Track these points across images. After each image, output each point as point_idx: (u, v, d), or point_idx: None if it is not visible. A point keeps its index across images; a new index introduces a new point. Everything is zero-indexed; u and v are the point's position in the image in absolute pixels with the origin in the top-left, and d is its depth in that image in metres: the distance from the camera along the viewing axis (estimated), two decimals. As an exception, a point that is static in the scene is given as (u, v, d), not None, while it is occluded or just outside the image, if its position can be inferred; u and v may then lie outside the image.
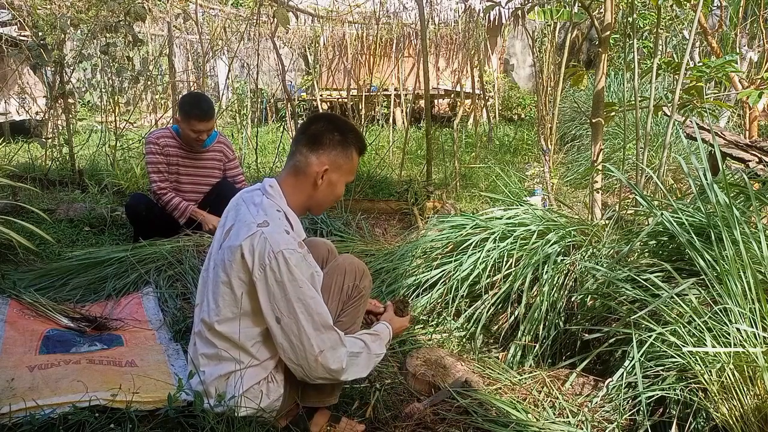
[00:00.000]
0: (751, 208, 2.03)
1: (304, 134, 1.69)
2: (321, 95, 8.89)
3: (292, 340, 1.54)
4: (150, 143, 3.28)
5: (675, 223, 2.00)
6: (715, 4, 5.34)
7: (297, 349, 1.54)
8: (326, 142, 1.67)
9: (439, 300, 2.54)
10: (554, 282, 2.32)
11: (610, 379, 1.95)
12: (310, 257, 1.62)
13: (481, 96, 7.26)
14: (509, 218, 2.69)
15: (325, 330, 1.55)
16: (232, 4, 8.35)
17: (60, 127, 5.49)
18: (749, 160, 2.81)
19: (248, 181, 3.85)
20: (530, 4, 5.03)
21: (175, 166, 3.35)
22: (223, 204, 1.86)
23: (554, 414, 1.91)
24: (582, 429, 1.82)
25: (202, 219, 3.27)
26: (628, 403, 1.86)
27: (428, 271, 2.63)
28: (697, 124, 2.84)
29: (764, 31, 4.32)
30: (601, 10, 3.13)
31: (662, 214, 2.06)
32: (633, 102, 3.09)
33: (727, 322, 1.65)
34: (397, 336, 1.95)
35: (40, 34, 4.94)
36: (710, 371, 1.62)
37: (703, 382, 1.63)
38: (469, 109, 8.13)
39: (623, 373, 1.91)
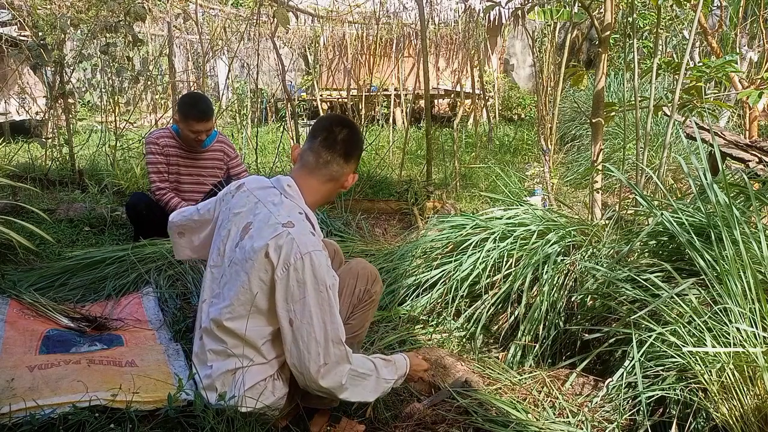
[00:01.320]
0: (751, 208, 2.03)
1: (336, 143, 1.65)
2: (321, 95, 8.89)
3: (299, 345, 1.52)
4: (150, 143, 3.28)
5: (675, 223, 2.00)
6: (715, 4, 5.34)
7: (303, 354, 1.52)
8: (356, 152, 1.71)
9: (439, 300, 2.54)
10: (554, 282, 2.32)
11: (610, 379, 1.95)
12: (329, 261, 1.61)
13: (481, 96, 7.26)
14: (509, 218, 2.69)
15: (335, 344, 1.52)
16: (232, 4, 8.35)
17: (60, 127, 5.49)
18: (749, 160, 2.81)
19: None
20: (530, 4, 5.03)
21: (176, 166, 3.35)
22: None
23: (554, 414, 1.91)
24: (582, 429, 1.82)
25: None
26: (628, 403, 1.86)
27: (428, 271, 2.63)
28: (697, 124, 2.85)
29: (764, 31, 4.32)
30: (601, 10, 3.12)
31: (662, 214, 2.06)
32: (633, 102, 3.09)
33: (727, 322, 1.65)
34: (412, 378, 1.85)
35: (40, 34, 4.94)
36: (710, 371, 1.62)
37: (703, 382, 1.63)
38: (469, 109, 8.13)
39: (623, 373, 1.91)
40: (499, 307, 2.43)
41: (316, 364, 1.51)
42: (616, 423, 1.82)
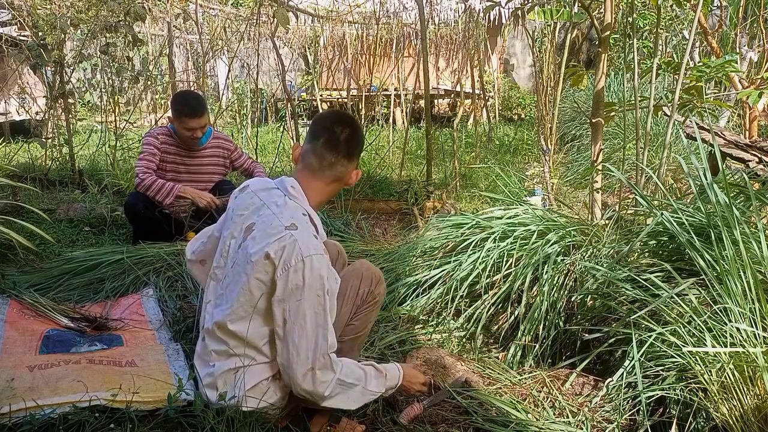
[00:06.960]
0: (751, 208, 2.03)
1: (339, 143, 1.65)
2: (321, 95, 8.89)
3: (289, 347, 1.52)
4: (149, 136, 3.28)
5: (675, 223, 2.00)
6: (715, 4, 5.34)
7: (292, 356, 1.51)
8: (358, 149, 1.72)
9: (439, 300, 2.54)
10: (554, 282, 2.32)
11: (610, 379, 1.95)
12: (330, 264, 1.61)
13: (481, 96, 7.26)
14: (509, 218, 2.69)
15: (322, 354, 1.51)
16: (232, 4, 8.36)
17: (60, 127, 5.49)
18: (749, 160, 2.81)
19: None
20: (530, 4, 5.03)
21: (173, 164, 3.34)
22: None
23: (554, 414, 1.91)
24: (582, 429, 1.82)
25: (192, 196, 3.19)
26: (628, 403, 1.86)
27: (428, 271, 2.63)
28: (697, 124, 2.84)
29: (764, 31, 4.31)
30: (601, 10, 3.13)
31: (662, 214, 2.06)
32: (633, 102, 3.09)
33: (727, 322, 1.65)
34: (405, 389, 1.79)
35: (40, 34, 4.94)
36: (710, 371, 1.62)
37: (703, 382, 1.63)
38: (469, 109, 8.13)
39: (623, 373, 1.91)
40: (499, 307, 2.43)
41: (304, 367, 1.50)
42: (616, 423, 1.82)
